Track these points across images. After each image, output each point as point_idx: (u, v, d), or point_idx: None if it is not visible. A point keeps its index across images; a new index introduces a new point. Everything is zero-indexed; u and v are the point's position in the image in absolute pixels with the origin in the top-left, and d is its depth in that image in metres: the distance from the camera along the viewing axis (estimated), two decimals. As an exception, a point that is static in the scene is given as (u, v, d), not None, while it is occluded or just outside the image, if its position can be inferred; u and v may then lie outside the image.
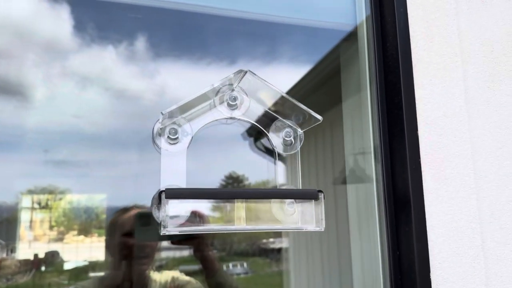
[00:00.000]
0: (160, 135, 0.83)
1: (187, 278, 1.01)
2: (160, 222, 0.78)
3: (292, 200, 0.85)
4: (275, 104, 0.87)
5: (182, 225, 0.72)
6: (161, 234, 0.75)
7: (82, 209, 0.96)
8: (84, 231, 0.97)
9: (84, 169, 0.88)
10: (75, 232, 0.94)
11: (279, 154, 0.87)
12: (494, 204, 0.92)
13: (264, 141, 0.81)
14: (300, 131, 0.88)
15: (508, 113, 0.97)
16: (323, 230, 0.74)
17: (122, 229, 0.91)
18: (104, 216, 0.97)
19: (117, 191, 0.86)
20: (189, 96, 0.77)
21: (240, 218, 0.81)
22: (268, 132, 0.88)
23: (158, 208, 0.80)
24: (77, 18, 0.80)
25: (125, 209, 0.92)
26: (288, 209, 0.84)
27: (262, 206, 0.84)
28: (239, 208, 0.81)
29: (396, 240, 0.89)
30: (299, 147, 0.88)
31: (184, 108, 0.83)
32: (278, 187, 0.84)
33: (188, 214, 0.75)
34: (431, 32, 0.95)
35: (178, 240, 0.90)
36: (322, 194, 0.75)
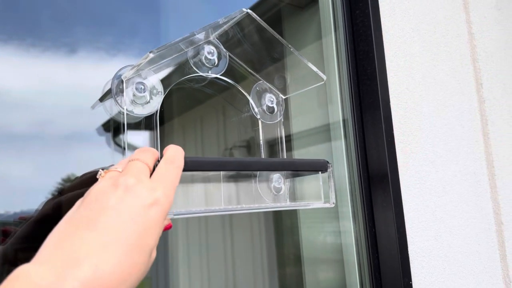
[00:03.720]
0: (122, 91, 0.62)
1: None
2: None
3: (279, 176, 0.73)
4: (255, 62, 0.74)
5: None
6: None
7: None
8: None
9: None
10: None
11: (261, 123, 0.74)
12: (444, 178, 0.95)
13: (125, 136, 0.64)
14: (282, 96, 0.76)
15: (449, 92, 1.02)
16: (333, 206, 0.65)
17: None
18: None
19: None
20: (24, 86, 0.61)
21: (230, 198, 0.66)
22: (249, 96, 0.74)
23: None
24: None
25: None
26: (276, 186, 0.72)
27: (245, 184, 0.70)
28: (226, 186, 0.66)
29: (372, 217, 0.84)
30: (281, 115, 0.76)
31: (152, 60, 0.64)
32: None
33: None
34: (393, 4, 0.94)
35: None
36: (331, 165, 0.65)
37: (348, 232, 0.86)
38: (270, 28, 0.65)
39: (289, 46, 0.67)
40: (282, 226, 1.04)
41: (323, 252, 0.93)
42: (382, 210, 0.83)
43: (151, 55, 0.55)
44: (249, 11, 0.62)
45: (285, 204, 0.66)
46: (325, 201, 0.65)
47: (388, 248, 0.82)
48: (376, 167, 0.84)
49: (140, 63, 0.57)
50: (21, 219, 0.64)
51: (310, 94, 0.93)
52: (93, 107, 0.71)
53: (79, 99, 0.68)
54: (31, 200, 0.63)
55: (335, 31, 0.90)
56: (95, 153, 0.72)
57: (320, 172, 0.66)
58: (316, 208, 0.65)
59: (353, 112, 0.86)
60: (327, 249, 0.92)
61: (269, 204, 0.65)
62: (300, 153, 0.93)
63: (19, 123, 0.64)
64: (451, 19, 1.06)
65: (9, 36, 0.66)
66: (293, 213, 0.96)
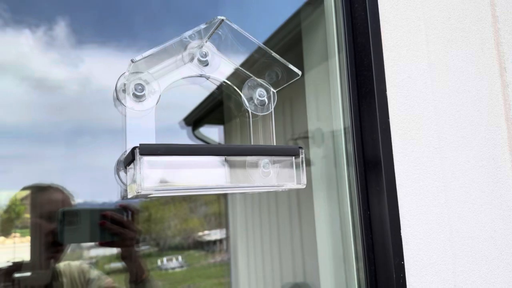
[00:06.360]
0: (124, 91, 0.75)
1: (97, 272, 0.98)
2: (130, 184, 0.71)
3: (268, 161, 0.81)
4: (248, 61, 0.83)
5: (157, 185, 0.66)
6: (133, 196, 0.69)
7: (2, 208, 0.88)
8: (5, 231, 0.89)
9: (2, 165, 0.78)
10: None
11: (253, 115, 0.83)
12: (454, 164, 0.96)
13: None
14: (273, 90, 0.85)
15: (464, 78, 1.01)
16: (304, 187, 0.72)
17: (40, 210, 0.84)
18: (27, 215, 0.88)
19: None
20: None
21: (219, 178, 0.76)
22: (241, 91, 0.84)
23: (125, 171, 0.73)
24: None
25: (41, 188, 0.84)
26: (264, 171, 0.81)
27: (238, 168, 0.80)
28: (216, 167, 0.76)
29: (367, 200, 0.89)
30: (272, 107, 0.85)
31: (150, 63, 0.76)
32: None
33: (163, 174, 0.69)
34: (396, -5, 0.96)
35: (106, 241, 0.85)
36: (303, 150, 0.73)
37: (347, 215, 0.92)
38: (248, 34, 0.74)
39: (266, 48, 0.75)
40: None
41: (326, 230, 1.00)
42: (376, 194, 0.88)
43: (132, 64, 0.67)
44: (224, 18, 0.71)
45: (259, 185, 0.75)
46: (297, 183, 0.73)
47: (381, 230, 0.87)
48: (371, 153, 0.89)
49: (129, 70, 0.70)
50: (121, 206, 0.83)
51: (318, 93, 0.99)
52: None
53: (170, 95, 0.76)
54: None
55: (337, 25, 0.96)
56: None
57: (293, 157, 0.73)
58: (292, 189, 0.73)
59: (350, 101, 0.91)
60: (331, 227, 0.99)
61: (243, 185, 0.75)
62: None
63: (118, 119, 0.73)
64: (470, 3, 1.05)
65: (106, 38, 0.76)
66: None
